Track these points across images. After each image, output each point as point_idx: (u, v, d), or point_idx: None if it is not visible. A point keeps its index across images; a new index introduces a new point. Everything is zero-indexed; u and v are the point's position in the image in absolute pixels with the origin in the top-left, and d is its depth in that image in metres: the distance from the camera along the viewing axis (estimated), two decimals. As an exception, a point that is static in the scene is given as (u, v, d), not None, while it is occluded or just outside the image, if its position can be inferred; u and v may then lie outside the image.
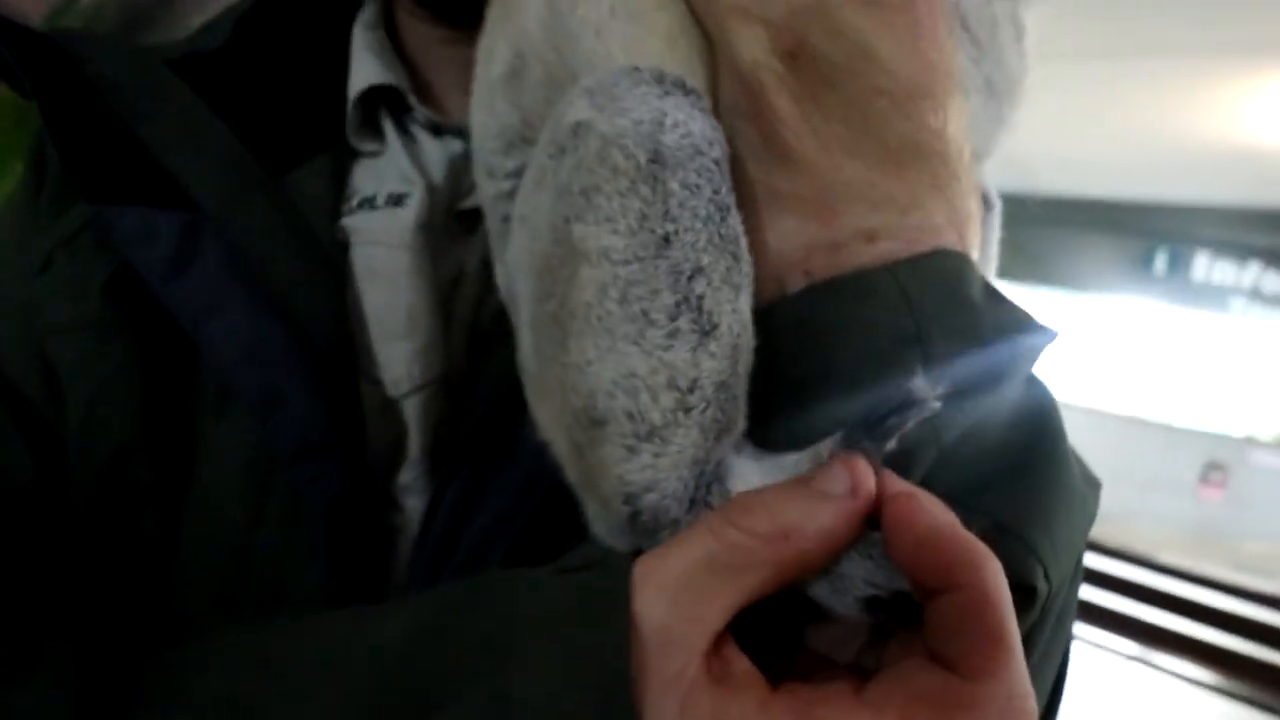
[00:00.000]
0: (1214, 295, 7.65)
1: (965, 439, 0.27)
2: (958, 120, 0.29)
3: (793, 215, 0.27)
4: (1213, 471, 7.46)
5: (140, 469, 0.39)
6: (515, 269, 0.31)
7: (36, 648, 0.32)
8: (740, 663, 0.24)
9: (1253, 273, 7.60)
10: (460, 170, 0.44)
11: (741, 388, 0.27)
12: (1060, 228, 7.22)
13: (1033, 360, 0.30)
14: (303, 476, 0.37)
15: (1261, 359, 8.10)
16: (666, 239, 0.25)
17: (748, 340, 0.27)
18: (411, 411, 0.40)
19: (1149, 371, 8.13)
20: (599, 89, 0.27)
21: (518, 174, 0.32)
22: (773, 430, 0.27)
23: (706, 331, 0.25)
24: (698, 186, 0.26)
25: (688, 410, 0.25)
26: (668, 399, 0.25)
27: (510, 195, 0.32)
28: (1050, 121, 5.20)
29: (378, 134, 0.45)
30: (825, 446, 0.26)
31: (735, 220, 0.27)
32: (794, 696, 0.23)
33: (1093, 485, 0.32)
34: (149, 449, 0.39)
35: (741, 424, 0.27)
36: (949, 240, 0.27)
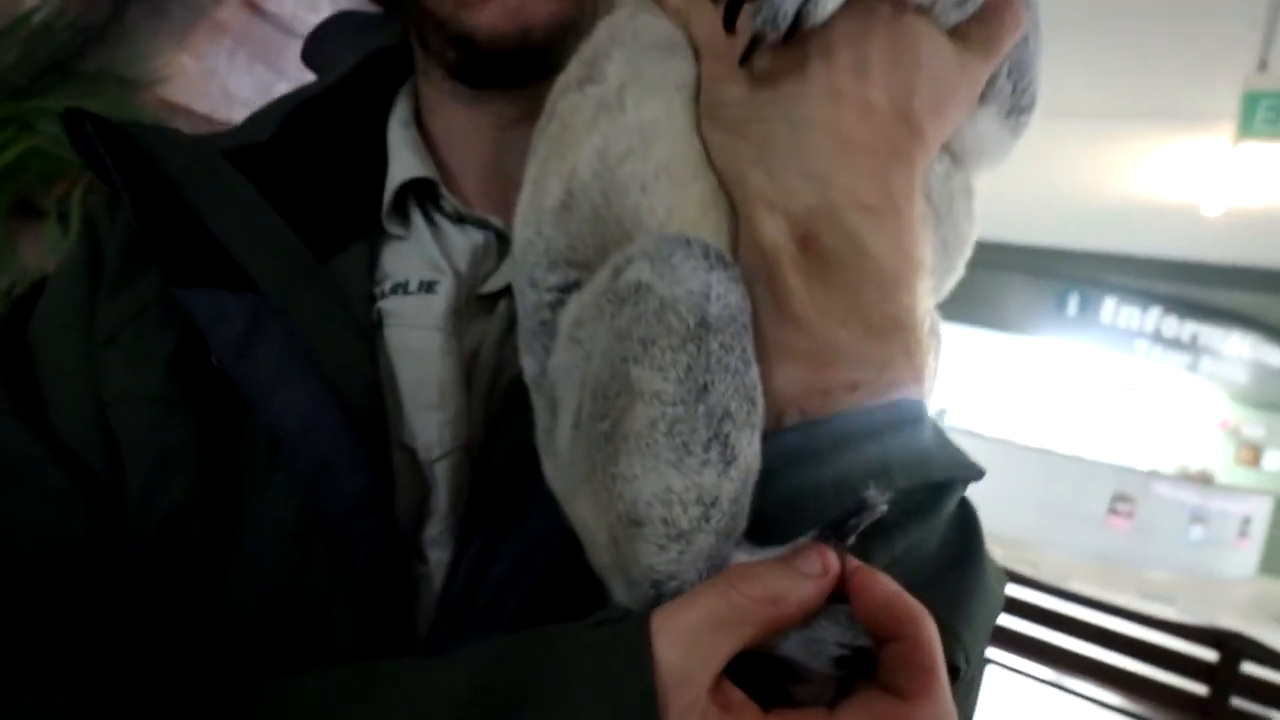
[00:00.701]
0: (1120, 337, 8.14)
1: (911, 548, 0.34)
2: (924, 298, 0.36)
3: (794, 365, 0.34)
4: (1120, 503, 7.85)
5: (194, 526, 0.42)
6: (559, 376, 0.36)
7: (112, 697, 0.35)
8: (736, 694, 0.30)
9: (1154, 317, 8.14)
10: (480, 258, 0.49)
11: (747, 500, 0.33)
12: (983, 270, 7.59)
13: (965, 488, 0.37)
14: (351, 533, 0.41)
15: (1163, 397, 8.64)
16: (705, 387, 0.31)
17: (756, 466, 0.33)
18: (440, 474, 0.44)
19: (1062, 407, 8.56)
20: (658, 257, 0.33)
21: (560, 289, 0.38)
22: (764, 530, 0.33)
23: (729, 461, 0.32)
24: (731, 347, 0.32)
25: (709, 520, 0.32)
26: (695, 511, 0.31)
27: (550, 306, 0.38)
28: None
29: (404, 219, 0.50)
30: (802, 542, 0.32)
31: (755, 373, 0.33)
32: (783, 717, 0.30)
33: (1000, 579, 0.41)
34: (203, 508, 0.42)
35: (743, 526, 0.33)
36: (912, 393, 0.34)
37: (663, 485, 0.31)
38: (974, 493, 0.39)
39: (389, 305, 0.47)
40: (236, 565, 0.42)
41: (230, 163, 0.46)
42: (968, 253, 0.43)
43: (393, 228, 0.50)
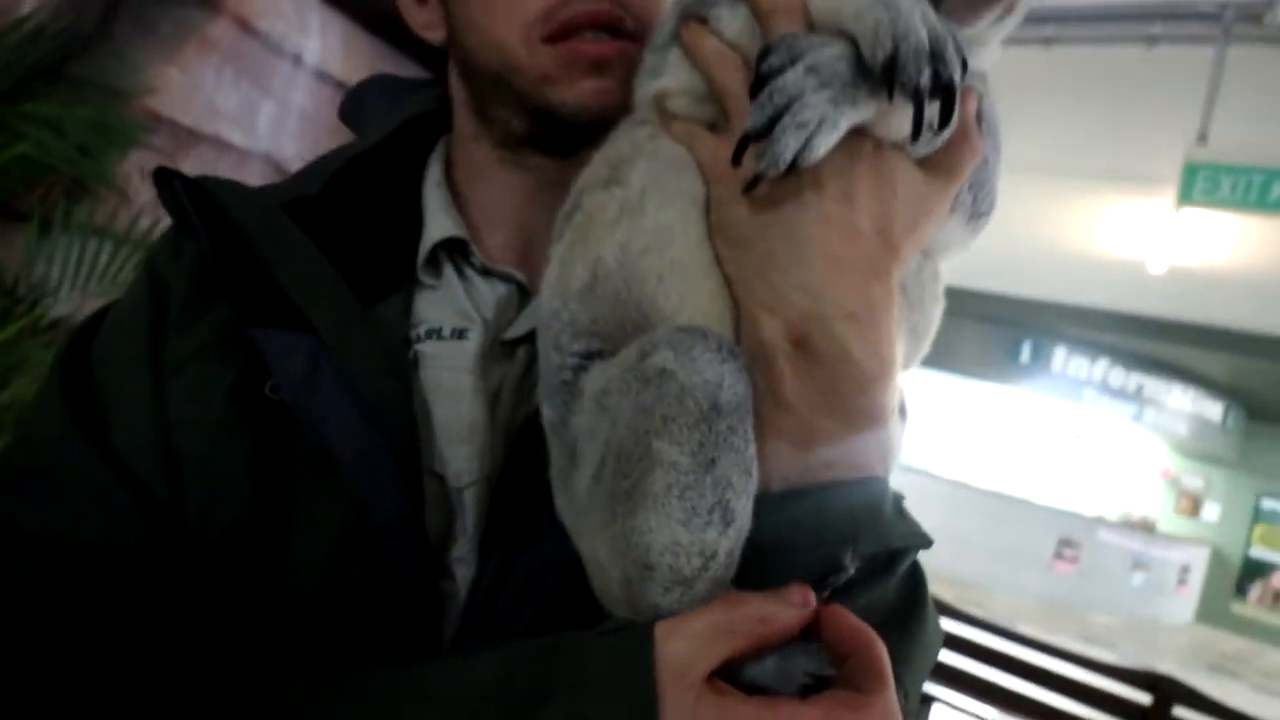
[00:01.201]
0: (1070, 385, 8.41)
1: (869, 602, 0.41)
2: (895, 391, 0.42)
3: (781, 443, 0.40)
4: (1065, 548, 8.05)
5: (248, 537, 0.46)
6: (583, 434, 0.42)
7: (157, 698, 0.39)
8: (725, 685, 0.36)
9: (1102, 367, 8.43)
10: (504, 308, 0.54)
11: (738, 554, 0.39)
12: (942, 316, 7.81)
13: (916, 553, 0.44)
14: (392, 548, 0.46)
15: (1108, 445, 8.93)
16: (713, 461, 0.37)
17: (748, 526, 0.39)
18: (468, 501, 0.49)
19: (1012, 451, 8.78)
20: (680, 348, 0.39)
21: (583, 355, 0.44)
22: (750, 581, 0.39)
23: (728, 523, 0.38)
24: (736, 429, 0.38)
25: (708, 570, 0.38)
26: (697, 561, 0.38)
27: (573, 369, 0.44)
28: (935, 220, 5.70)
29: (436, 270, 0.55)
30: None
31: (753, 450, 0.39)
32: (763, 702, 0.36)
33: (937, 628, 0.49)
34: (255, 522, 0.46)
35: (733, 574, 0.39)
36: (878, 471, 0.41)
37: (672, 539, 0.37)
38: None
39: (425, 349, 0.52)
40: (285, 574, 0.46)
41: (291, 214, 0.51)
42: (934, 331, 0.50)
43: (426, 278, 0.55)
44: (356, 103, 0.65)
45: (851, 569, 0.37)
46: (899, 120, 0.40)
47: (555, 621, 0.41)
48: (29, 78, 1.70)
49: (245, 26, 2.07)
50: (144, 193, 1.97)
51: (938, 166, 0.43)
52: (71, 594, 0.44)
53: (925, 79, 0.37)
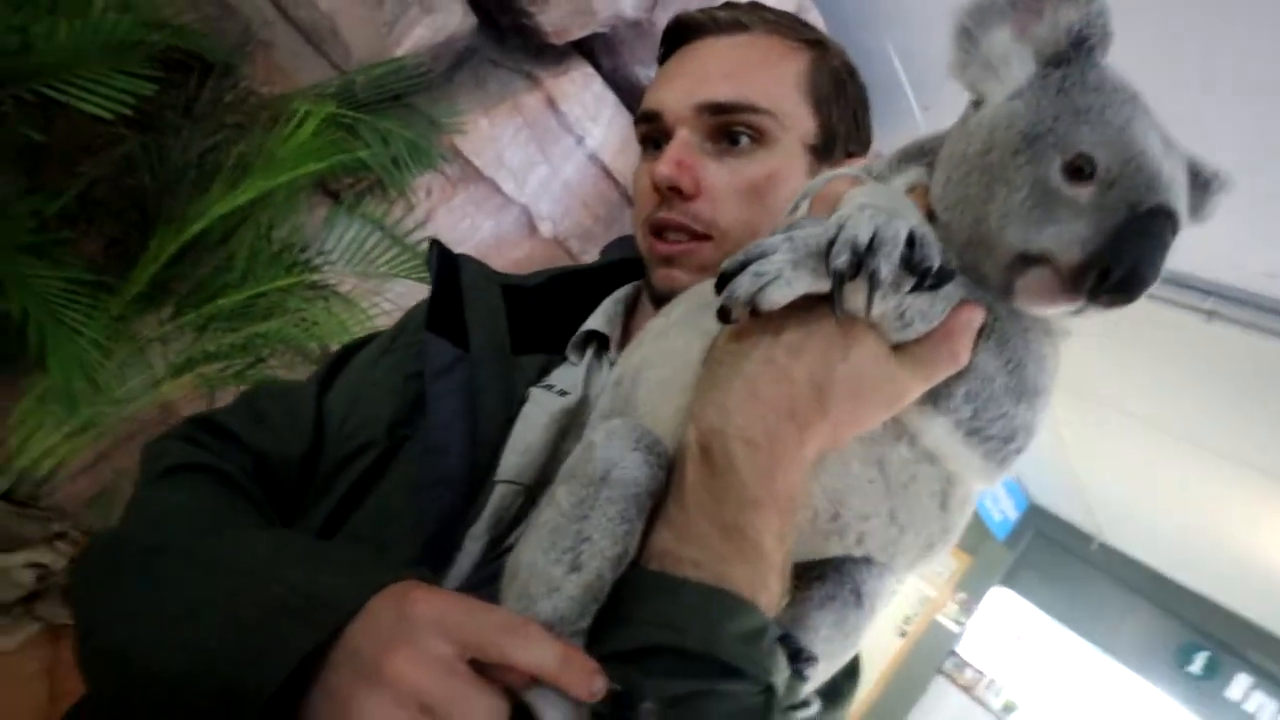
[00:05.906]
0: (1243, 722, 7.18)
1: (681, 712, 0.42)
2: (786, 534, 0.46)
3: (667, 530, 0.47)
4: None
5: (370, 457, 0.66)
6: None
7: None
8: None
9: (1289, 717, 7.14)
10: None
11: (587, 605, 0.46)
12: (1113, 583, 7.06)
13: (758, 688, 0.44)
14: (437, 496, 0.62)
15: (1274, 812, 7.42)
16: (585, 517, 0.46)
17: (598, 585, 0.46)
18: (498, 492, 0.63)
19: (1151, 768, 7.54)
20: (612, 432, 0.49)
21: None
22: (594, 629, 0.47)
23: (575, 569, 0.45)
24: (614, 500, 0.46)
25: (549, 598, 0.45)
26: (541, 587, 0.46)
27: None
28: (1125, 480, 5.24)
29: (581, 353, 0.75)
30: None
31: (629, 526, 0.46)
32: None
33: None
34: (378, 450, 0.66)
35: (582, 625, 0.46)
36: (739, 588, 0.44)
37: (531, 559, 0.47)
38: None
39: (535, 392, 0.70)
40: (370, 493, 0.65)
41: (504, 290, 0.75)
42: (931, 535, 0.53)
43: (572, 356, 0.75)
44: (610, 247, 0.94)
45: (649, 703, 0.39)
46: (855, 297, 0.44)
47: None
48: (383, 99, 2.14)
49: (552, 104, 2.46)
50: (422, 205, 2.36)
51: (909, 355, 0.47)
52: (261, 454, 0.68)
53: (843, 263, 0.42)
